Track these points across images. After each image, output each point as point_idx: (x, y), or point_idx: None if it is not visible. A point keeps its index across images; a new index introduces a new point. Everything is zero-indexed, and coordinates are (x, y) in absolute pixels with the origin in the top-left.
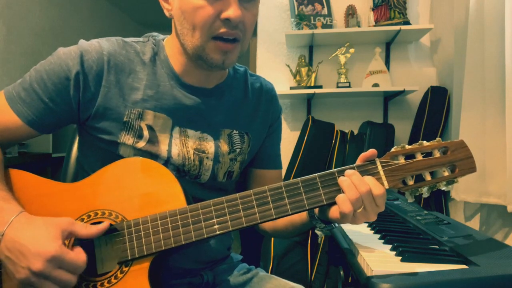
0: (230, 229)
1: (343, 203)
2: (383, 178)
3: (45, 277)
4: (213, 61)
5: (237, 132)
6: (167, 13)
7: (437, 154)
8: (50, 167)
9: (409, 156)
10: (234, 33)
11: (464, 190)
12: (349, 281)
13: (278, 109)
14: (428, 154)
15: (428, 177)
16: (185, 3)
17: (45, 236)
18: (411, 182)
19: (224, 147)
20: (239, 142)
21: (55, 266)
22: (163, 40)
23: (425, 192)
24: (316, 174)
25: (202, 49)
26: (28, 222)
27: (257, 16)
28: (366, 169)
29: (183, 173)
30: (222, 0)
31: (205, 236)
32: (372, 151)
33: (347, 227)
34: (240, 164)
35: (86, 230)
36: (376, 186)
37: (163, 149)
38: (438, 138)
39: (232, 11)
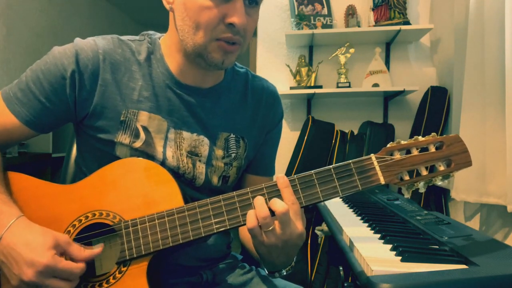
0: (228, 227)
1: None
2: (379, 173)
3: (37, 287)
4: (213, 60)
5: (234, 136)
6: (167, 6)
7: (432, 149)
8: (50, 167)
9: (405, 151)
10: (236, 38)
11: (464, 190)
12: (349, 281)
13: (278, 114)
14: (424, 149)
15: (424, 172)
16: (191, 1)
17: (40, 244)
18: (407, 177)
19: (219, 151)
20: (235, 147)
21: (47, 276)
22: (159, 38)
23: (421, 187)
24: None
25: (204, 48)
26: (25, 227)
27: (257, 22)
28: (362, 165)
29: (178, 175)
30: (228, 4)
31: (203, 235)
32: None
33: (346, 227)
34: (237, 169)
35: (80, 253)
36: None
37: (158, 150)
38: (433, 133)
39: (237, 18)
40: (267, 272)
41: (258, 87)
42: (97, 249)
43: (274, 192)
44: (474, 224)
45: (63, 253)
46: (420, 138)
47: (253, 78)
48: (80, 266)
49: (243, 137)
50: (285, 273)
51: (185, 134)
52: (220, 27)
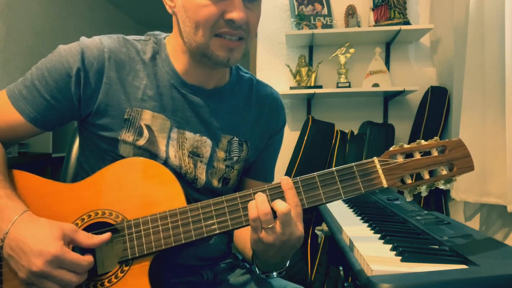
0: (230, 228)
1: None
2: (382, 176)
3: (45, 277)
4: (218, 58)
5: (237, 139)
6: (169, 10)
7: (435, 153)
8: (50, 167)
9: (408, 155)
10: (237, 33)
11: (464, 190)
12: (349, 281)
13: (281, 121)
14: (426, 153)
15: (427, 176)
16: (189, 1)
17: (48, 235)
18: (409, 181)
19: (221, 154)
20: (237, 150)
21: (56, 266)
22: (164, 38)
23: (423, 190)
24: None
25: (206, 46)
26: (31, 221)
27: (260, 16)
28: (365, 168)
29: (180, 175)
30: (226, 0)
31: (205, 235)
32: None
33: (347, 227)
34: (238, 172)
35: (88, 239)
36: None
37: (161, 149)
38: (436, 137)
39: (236, 13)
40: (257, 272)
41: (262, 93)
42: (105, 236)
43: (277, 194)
44: (474, 224)
45: (71, 242)
46: (423, 142)
47: (257, 83)
48: (88, 259)
49: (246, 140)
50: (275, 276)
51: (188, 134)
52: (219, 23)
